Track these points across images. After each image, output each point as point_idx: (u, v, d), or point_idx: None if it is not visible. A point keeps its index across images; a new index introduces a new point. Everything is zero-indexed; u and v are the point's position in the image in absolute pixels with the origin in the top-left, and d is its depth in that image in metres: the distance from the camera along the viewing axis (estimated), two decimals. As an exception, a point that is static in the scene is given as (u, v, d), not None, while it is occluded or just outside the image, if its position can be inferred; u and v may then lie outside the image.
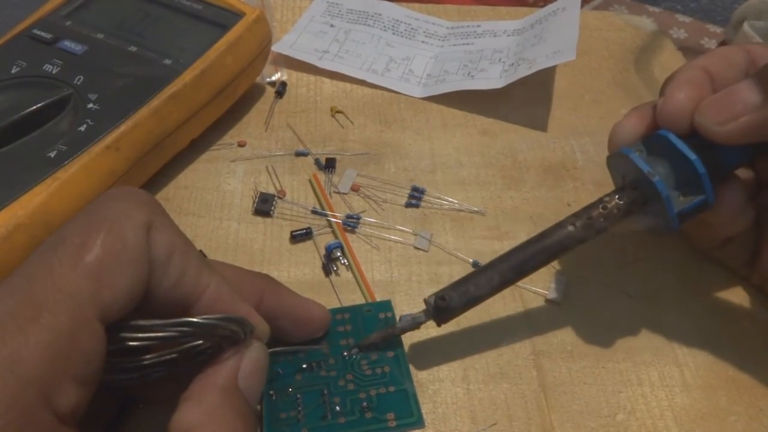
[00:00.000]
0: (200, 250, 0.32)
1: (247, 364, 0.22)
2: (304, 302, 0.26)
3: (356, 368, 0.26)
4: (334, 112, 0.41)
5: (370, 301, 0.31)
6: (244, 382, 0.21)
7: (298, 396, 0.25)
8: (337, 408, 0.25)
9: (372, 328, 0.27)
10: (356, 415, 0.25)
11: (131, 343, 0.20)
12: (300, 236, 0.33)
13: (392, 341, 0.27)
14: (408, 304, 0.31)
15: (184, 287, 0.21)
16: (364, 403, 0.25)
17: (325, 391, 0.25)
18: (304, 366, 0.26)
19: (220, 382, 0.21)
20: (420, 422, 0.25)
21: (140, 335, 0.20)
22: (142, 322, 0.20)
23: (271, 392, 0.25)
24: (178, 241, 0.21)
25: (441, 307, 0.26)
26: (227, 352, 0.21)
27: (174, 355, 0.21)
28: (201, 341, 0.21)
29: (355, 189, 0.36)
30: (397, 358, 0.27)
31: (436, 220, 0.35)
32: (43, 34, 0.35)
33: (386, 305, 0.28)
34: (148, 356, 0.21)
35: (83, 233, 0.19)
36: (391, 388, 0.26)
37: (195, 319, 0.21)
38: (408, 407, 0.25)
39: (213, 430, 0.19)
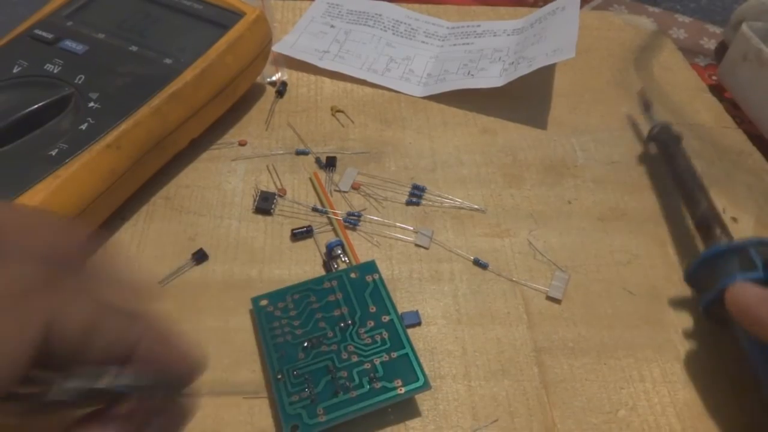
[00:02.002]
0: (200, 249, 0.32)
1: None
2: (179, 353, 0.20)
3: (356, 338, 0.27)
4: (335, 111, 0.41)
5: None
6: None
7: (306, 376, 0.26)
8: (346, 382, 0.25)
9: (362, 293, 0.28)
10: (366, 387, 0.25)
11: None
12: (301, 234, 0.33)
13: (384, 307, 0.28)
14: (409, 300, 0.31)
15: (114, 351, 0.19)
16: (372, 374, 0.26)
17: (331, 366, 0.26)
18: (306, 344, 0.27)
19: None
20: (427, 384, 0.26)
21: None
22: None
23: (279, 376, 0.26)
24: (92, 317, 0.18)
25: None
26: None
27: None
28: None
29: (355, 187, 0.36)
30: (393, 323, 0.27)
31: (437, 218, 0.35)
32: (44, 34, 0.35)
33: (371, 266, 0.29)
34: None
35: None
36: (393, 355, 0.26)
37: (102, 386, 0.18)
38: (413, 371, 0.26)
39: None
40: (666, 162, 0.37)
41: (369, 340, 0.27)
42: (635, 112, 0.43)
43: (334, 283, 0.28)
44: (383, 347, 0.27)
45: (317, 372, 0.26)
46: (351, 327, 0.27)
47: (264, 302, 0.29)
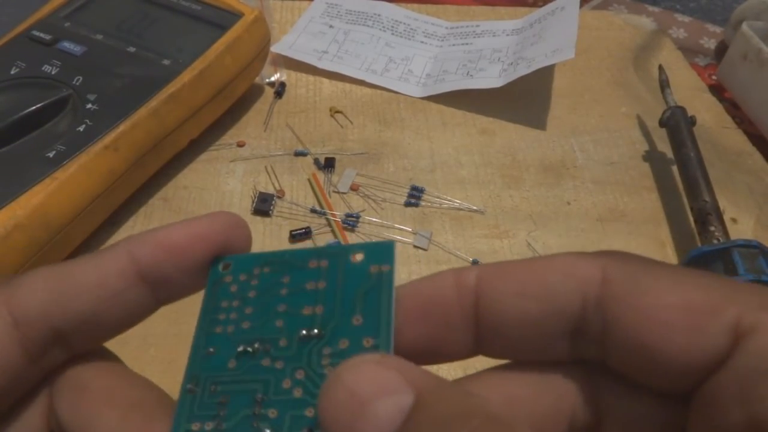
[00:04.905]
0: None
1: None
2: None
3: (313, 362, 0.16)
4: (334, 112, 0.41)
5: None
6: None
7: (222, 399, 0.16)
8: (269, 429, 0.16)
9: (353, 290, 0.17)
10: None
11: None
12: (299, 236, 0.33)
13: (374, 323, 0.16)
14: (407, 303, 0.31)
15: None
16: (309, 429, 0.15)
17: (259, 397, 0.16)
18: (241, 349, 0.17)
19: None
20: None
21: None
22: None
23: (189, 386, 0.17)
24: None
25: None
26: None
27: None
28: None
29: (354, 188, 0.36)
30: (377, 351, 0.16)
31: (436, 219, 0.35)
32: (42, 35, 0.35)
33: (386, 251, 0.17)
34: None
35: None
36: None
37: None
38: None
39: None
40: (673, 148, 0.37)
41: (328, 371, 0.16)
42: (637, 109, 0.43)
43: (324, 263, 0.18)
44: None
45: (240, 396, 0.16)
46: (316, 341, 0.16)
47: (225, 266, 0.18)
